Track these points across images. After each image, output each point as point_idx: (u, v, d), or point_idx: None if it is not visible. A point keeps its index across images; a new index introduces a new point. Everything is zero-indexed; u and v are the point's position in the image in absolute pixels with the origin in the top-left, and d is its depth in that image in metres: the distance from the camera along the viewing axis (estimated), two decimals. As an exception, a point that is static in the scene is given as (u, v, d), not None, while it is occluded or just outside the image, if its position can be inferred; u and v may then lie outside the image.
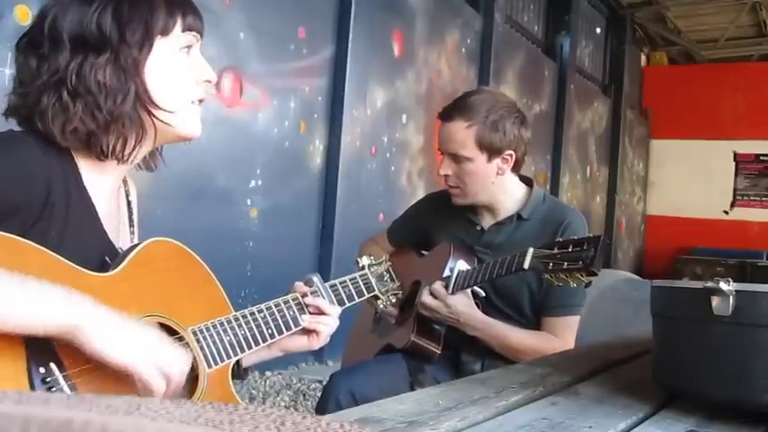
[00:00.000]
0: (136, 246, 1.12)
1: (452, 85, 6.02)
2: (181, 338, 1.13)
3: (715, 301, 0.95)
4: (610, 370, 1.39)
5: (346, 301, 1.43)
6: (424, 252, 2.11)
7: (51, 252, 0.99)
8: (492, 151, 1.87)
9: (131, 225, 1.26)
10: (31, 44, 1.08)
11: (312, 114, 4.57)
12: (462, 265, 1.85)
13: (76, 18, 1.06)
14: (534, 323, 1.89)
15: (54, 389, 0.94)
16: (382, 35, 5.19)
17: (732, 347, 0.96)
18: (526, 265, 1.62)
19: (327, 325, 1.34)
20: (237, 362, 1.24)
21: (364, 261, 1.58)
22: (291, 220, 4.46)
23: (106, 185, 1.15)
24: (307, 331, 1.33)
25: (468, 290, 1.82)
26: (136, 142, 1.12)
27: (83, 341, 0.93)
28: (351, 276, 1.48)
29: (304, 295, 1.34)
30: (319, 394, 2.28)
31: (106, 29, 1.07)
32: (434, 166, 5.75)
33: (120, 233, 1.20)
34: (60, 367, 0.95)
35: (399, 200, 5.17)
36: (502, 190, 1.94)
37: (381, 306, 1.59)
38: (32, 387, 0.93)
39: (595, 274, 1.52)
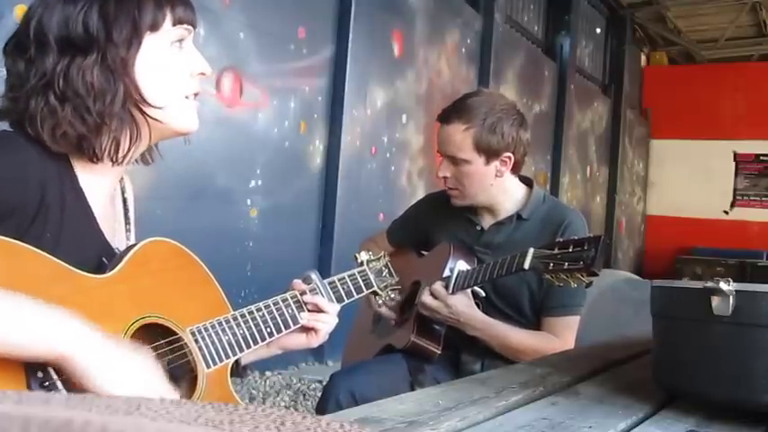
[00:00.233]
0: (133, 246, 1.11)
1: (452, 86, 6.02)
2: (179, 339, 1.12)
3: (715, 301, 0.95)
4: (610, 370, 1.39)
5: (345, 297, 1.43)
6: (423, 252, 2.11)
7: (47, 255, 0.98)
8: (490, 154, 1.87)
9: (127, 223, 1.24)
10: (18, 47, 1.06)
11: (312, 114, 4.57)
12: (462, 266, 1.85)
13: (62, 19, 1.04)
14: (534, 323, 1.89)
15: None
16: (382, 35, 5.19)
17: (732, 347, 0.96)
18: (526, 266, 1.62)
19: (326, 323, 1.33)
20: (236, 360, 1.24)
21: (363, 257, 1.58)
22: (291, 220, 4.46)
23: (102, 186, 1.14)
24: (306, 329, 1.33)
25: (469, 290, 1.83)
26: (131, 143, 1.10)
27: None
28: (349, 273, 1.48)
29: (303, 293, 1.33)
30: (319, 394, 2.29)
31: (92, 29, 1.04)
32: (434, 167, 5.75)
33: (115, 232, 1.19)
34: (58, 372, 0.94)
35: (399, 200, 5.17)
36: (501, 191, 1.94)
37: (381, 301, 1.59)
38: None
39: (596, 275, 1.52)
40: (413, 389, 1.79)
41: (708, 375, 0.99)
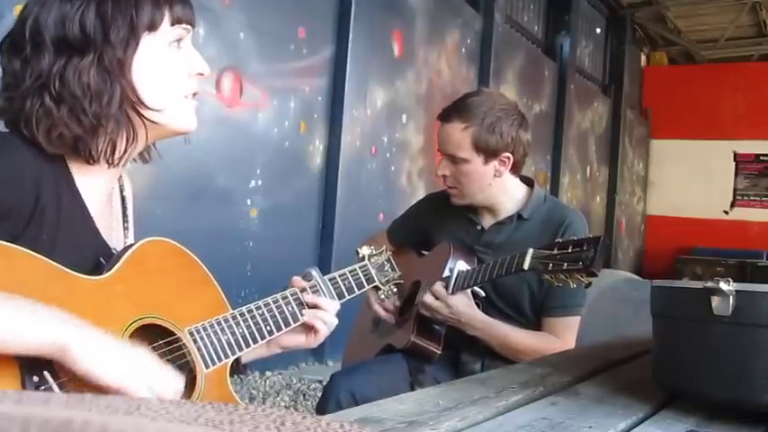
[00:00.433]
0: (130, 246, 1.10)
1: (452, 85, 6.02)
2: (178, 340, 1.11)
3: (715, 301, 0.95)
4: (610, 370, 1.39)
5: (346, 293, 1.41)
6: (424, 252, 2.11)
7: (43, 257, 0.97)
8: (488, 153, 1.87)
9: (125, 221, 1.23)
10: (14, 46, 1.05)
11: (312, 114, 4.57)
12: (462, 266, 1.85)
13: (59, 18, 1.03)
14: (534, 323, 1.89)
15: None
16: (382, 35, 5.19)
17: (732, 347, 0.96)
18: (526, 266, 1.62)
19: (326, 323, 1.32)
20: (236, 358, 1.23)
21: (364, 251, 1.56)
22: (291, 220, 4.46)
23: (99, 186, 1.13)
24: (306, 328, 1.32)
25: (469, 290, 1.83)
26: (127, 145, 1.09)
27: (73, 361, 0.91)
28: (350, 268, 1.46)
29: (303, 290, 1.32)
30: (319, 394, 2.29)
31: (89, 29, 1.03)
32: (434, 167, 5.74)
33: (113, 231, 1.18)
34: (54, 375, 0.94)
35: (399, 200, 5.17)
36: (501, 191, 1.94)
37: (382, 296, 1.58)
38: None
39: (595, 275, 1.52)
40: (413, 389, 1.79)
41: (708, 375, 0.99)
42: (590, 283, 1.58)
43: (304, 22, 4.44)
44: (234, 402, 1.14)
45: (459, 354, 1.91)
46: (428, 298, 1.83)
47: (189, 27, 1.13)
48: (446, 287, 1.82)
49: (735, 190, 11.13)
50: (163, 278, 1.12)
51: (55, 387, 0.94)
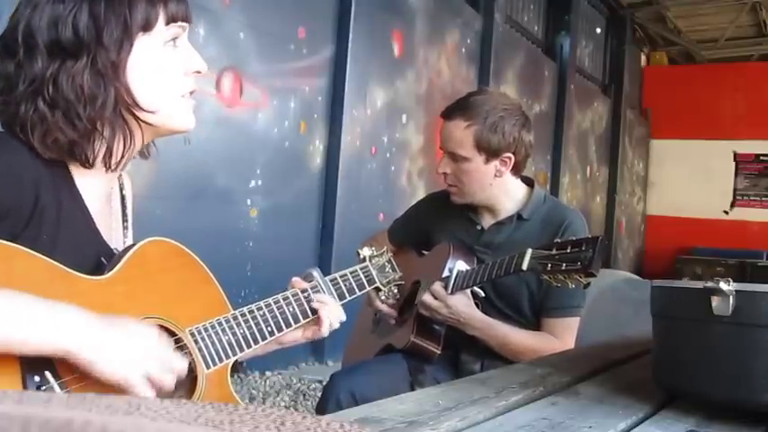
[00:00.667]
0: (131, 246, 1.10)
1: (452, 85, 6.02)
2: (179, 340, 1.11)
3: (715, 301, 0.95)
4: (610, 370, 1.39)
5: (347, 294, 1.41)
6: (424, 252, 2.11)
7: (43, 257, 0.97)
8: (490, 152, 1.87)
9: (125, 221, 1.22)
10: (7, 50, 1.03)
11: (312, 114, 4.57)
12: (461, 266, 1.85)
13: (51, 21, 1.01)
14: (534, 323, 1.89)
15: None
16: (382, 35, 5.19)
17: (732, 347, 0.96)
18: (524, 266, 1.62)
19: (331, 313, 1.31)
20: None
21: (365, 252, 1.56)
22: (291, 220, 4.46)
23: (99, 185, 1.12)
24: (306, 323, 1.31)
25: (468, 290, 1.83)
26: (124, 149, 1.08)
27: (75, 359, 0.92)
28: (351, 269, 1.46)
29: (304, 290, 1.31)
30: (319, 394, 2.29)
31: (82, 31, 1.01)
32: (434, 166, 5.74)
33: (112, 231, 1.17)
34: (55, 375, 0.94)
35: (399, 200, 5.17)
36: (502, 191, 1.94)
37: (383, 297, 1.57)
38: None
39: (594, 276, 1.52)
40: (413, 389, 1.79)
41: (708, 375, 0.99)
42: (588, 284, 1.58)
43: (304, 22, 4.44)
44: (234, 402, 1.14)
45: (458, 354, 1.91)
46: (427, 298, 1.83)
47: (185, 24, 1.11)
48: (445, 287, 1.82)
49: (735, 190, 11.13)
50: (164, 278, 1.12)
51: (56, 387, 0.94)
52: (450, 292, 1.81)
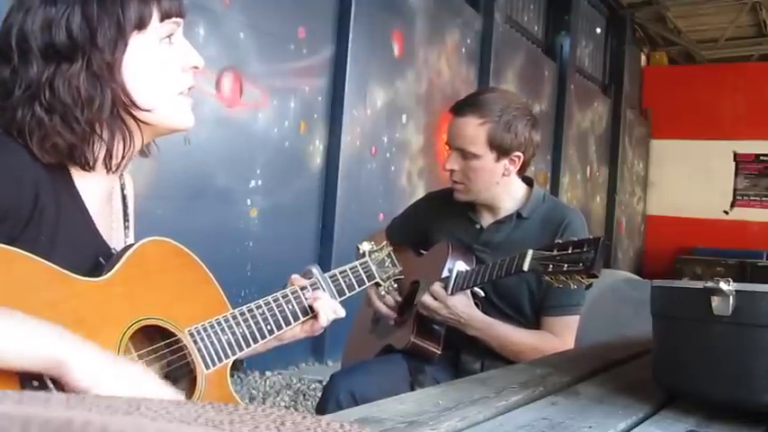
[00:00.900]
0: (130, 246, 1.09)
1: (452, 85, 6.02)
2: (178, 340, 1.11)
3: (715, 301, 0.95)
4: (610, 370, 1.39)
5: (347, 291, 1.40)
6: (422, 251, 2.11)
7: (42, 259, 0.96)
8: (501, 151, 1.87)
9: (126, 220, 1.22)
10: (1, 56, 1.02)
11: (312, 114, 4.57)
12: (461, 266, 1.85)
13: (44, 24, 1.00)
14: (534, 323, 1.89)
15: None
16: (382, 35, 5.19)
17: (732, 347, 0.96)
18: (526, 267, 1.62)
19: (326, 306, 1.30)
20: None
21: (365, 247, 1.54)
22: (291, 220, 4.46)
23: (99, 186, 1.11)
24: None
25: (468, 290, 1.82)
26: (124, 150, 1.07)
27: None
28: (351, 265, 1.45)
29: (303, 288, 1.31)
30: (319, 394, 2.29)
31: (76, 33, 1.00)
32: (434, 166, 5.77)
33: (112, 231, 1.16)
34: (54, 380, 0.93)
35: (399, 200, 5.17)
36: (504, 190, 1.94)
37: (383, 292, 1.56)
38: None
39: (596, 277, 1.52)
40: (413, 389, 1.79)
41: (708, 375, 0.99)
42: (590, 284, 1.58)
43: (304, 22, 4.44)
44: (234, 402, 1.13)
45: (458, 354, 1.91)
46: (427, 299, 1.83)
47: (179, 20, 1.10)
48: (445, 288, 1.81)
49: (735, 190, 11.14)
50: (163, 278, 1.12)
51: (55, 392, 0.93)
52: (450, 292, 1.81)
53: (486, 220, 1.98)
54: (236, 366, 1.24)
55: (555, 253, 1.57)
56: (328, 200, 4.67)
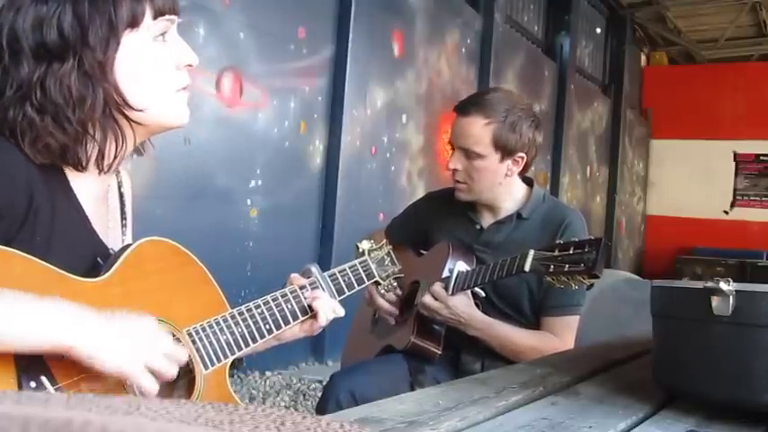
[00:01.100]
0: (127, 247, 1.09)
1: (452, 85, 6.02)
2: (177, 341, 1.10)
3: (715, 301, 0.95)
4: (610, 370, 1.39)
5: (346, 290, 1.40)
6: (422, 252, 2.11)
7: (39, 260, 0.95)
8: (506, 152, 1.87)
9: (123, 218, 1.21)
10: None
11: (312, 114, 4.57)
12: (461, 266, 1.85)
13: (35, 23, 0.99)
14: (534, 323, 1.89)
15: None
16: (382, 35, 5.19)
17: (732, 347, 0.96)
18: (527, 268, 1.62)
19: (325, 305, 1.30)
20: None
21: (364, 245, 1.53)
22: (291, 220, 4.46)
23: (95, 184, 1.10)
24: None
25: (468, 290, 1.82)
26: (117, 150, 1.06)
27: (75, 355, 0.91)
28: (350, 264, 1.45)
29: (302, 287, 1.30)
30: (319, 394, 2.29)
31: (67, 32, 0.99)
32: (434, 166, 5.78)
33: (109, 230, 1.15)
34: (51, 380, 0.93)
35: (399, 200, 5.17)
36: (506, 190, 1.94)
37: (382, 291, 1.56)
38: None
39: (597, 277, 1.52)
40: (413, 389, 1.79)
41: (708, 375, 0.99)
42: (592, 285, 1.58)
43: (304, 22, 4.44)
44: (233, 402, 1.13)
45: (459, 354, 1.91)
46: (427, 299, 1.83)
47: (173, 17, 1.08)
48: (445, 288, 1.81)
49: (735, 190, 11.14)
50: (161, 278, 1.11)
51: (52, 392, 0.93)
52: (450, 292, 1.80)
53: (487, 220, 1.98)
54: (235, 364, 1.24)
55: (556, 253, 1.57)
56: (328, 200, 4.67)
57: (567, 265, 1.53)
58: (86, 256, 1.06)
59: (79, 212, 1.07)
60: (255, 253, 4.13)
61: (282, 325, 1.26)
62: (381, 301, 2.01)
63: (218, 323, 1.15)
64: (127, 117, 1.06)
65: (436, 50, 5.87)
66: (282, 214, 4.36)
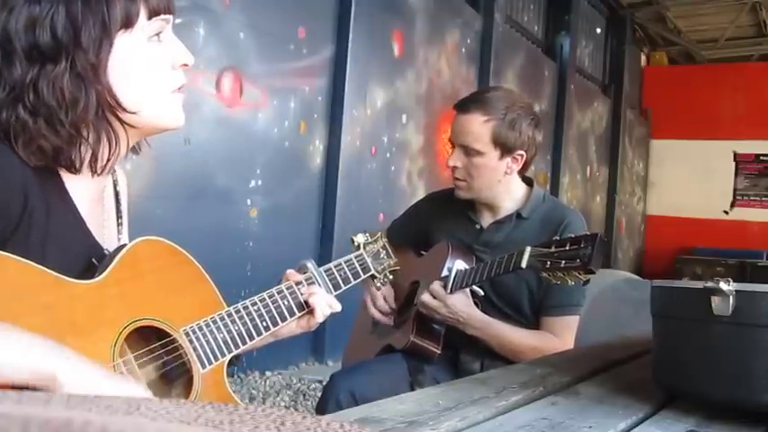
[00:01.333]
0: (123, 247, 1.08)
1: (452, 85, 6.02)
2: (173, 341, 1.10)
3: (715, 301, 0.95)
4: (610, 370, 1.39)
5: (342, 284, 1.39)
6: (422, 252, 2.11)
7: (34, 264, 0.94)
8: (505, 149, 1.87)
9: (119, 217, 1.20)
10: None
11: (312, 114, 4.57)
12: (460, 265, 1.85)
13: (28, 24, 0.97)
14: (534, 323, 1.89)
15: None
16: (382, 35, 5.19)
17: (732, 347, 0.96)
18: (524, 264, 1.62)
19: (321, 300, 1.29)
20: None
21: (359, 239, 1.53)
22: (291, 220, 4.46)
23: (90, 185, 1.09)
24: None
25: (467, 289, 1.83)
26: (110, 153, 1.05)
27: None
28: (346, 258, 1.44)
29: (298, 283, 1.30)
30: (319, 394, 2.29)
31: (60, 34, 0.98)
32: (434, 166, 5.77)
33: (105, 229, 1.14)
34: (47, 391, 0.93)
35: (399, 200, 5.17)
36: (505, 189, 1.94)
37: (378, 284, 1.56)
38: None
39: (593, 273, 1.52)
40: (413, 389, 1.79)
41: (708, 375, 0.99)
42: (588, 281, 1.58)
43: (304, 22, 4.44)
44: (231, 401, 1.13)
45: (458, 354, 1.91)
46: (426, 297, 1.83)
47: (168, 17, 1.07)
48: (444, 286, 1.82)
49: (735, 190, 11.14)
50: (156, 278, 1.11)
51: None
52: (449, 291, 1.81)
53: (486, 220, 1.98)
54: (233, 362, 1.23)
55: (553, 250, 1.57)
56: (328, 200, 4.68)
57: (563, 261, 1.54)
58: (82, 258, 1.06)
59: (74, 214, 1.06)
60: (255, 253, 4.13)
61: (279, 322, 1.25)
62: (374, 311, 2.03)
63: (214, 322, 1.15)
64: (120, 119, 1.05)
65: (436, 50, 5.87)
66: (282, 214, 4.36)
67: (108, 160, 1.06)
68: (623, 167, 10.52)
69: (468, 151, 1.89)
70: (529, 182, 2.00)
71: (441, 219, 2.05)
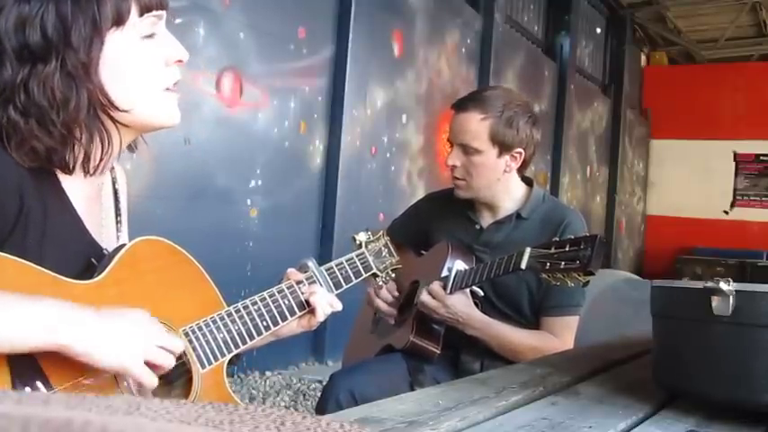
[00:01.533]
0: (121, 247, 1.07)
1: (452, 85, 6.02)
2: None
3: (715, 301, 0.95)
4: (610, 370, 1.39)
5: (343, 283, 1.38)
6: (422, 252, 2.11)
7: (32, 264, 0.94)
8: (503, 147, 1.88)
9: (118, 215, 1.19)
10: None
11: (312, 114, 4.57)
12: (460, 265, 1.85)
13: (18, 24, 0.97)
14: (533, 323, 1.89)
15: None
16: (382, 35, 5.19)
17: (732, 347, 0.96)
18: (523, 265, 1.62)
19: (323, 299, 1.29)
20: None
21: (361, 237, 1.52)
22: (291, 220, 4.46)
23: (87, 184, 1.09)
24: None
25: (467, 289, 1.83)
26: (102, 153, 1.04)
27: (70, 353, 0.91)
28: (347, 257, 1.43)
29: (299, 282, 1.29)
30: (319, 394, 2.29)
31: (50, 33, 0.97)
32: (434, 166, 5.77)
33: (103, 228, 1.14)
34: (46, 385, 0.93)
35: (399, 200, 5.17)
36: (505, 188, 1.94)
37: (380, 282, 1.55)
38: None
39: (592, 274, 1.52)
40: (413, 389, 1.79)
41: (708, 375, 0.99)
42: (587, 282, 1.58)
43: (304, 22, 4.44)
44: (231, 401, 1.13)
45: (458, 354, 1.91)
46: (425, 297, 1.83)
47: (161, 13, 1.05)
48: (444, 287, 1.82)
49: (735, 190, 11.14)
50: (156, 278, 1.10)
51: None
52: (448, 291, 1.81)
53: (486, 220, 1.98)
54: (233, 361, 1.22)
55: (552, 251, 1.57)
56: (328, 200, 4.68)
57: (562, 262, 1.54)
58: (80, 257, 1.05)
59: (71, 213, 1.06)
60: (255, 253, 4.13)
61: (280, 321, 1.25)
62: (379, 302, 2.02)
63: (214, 321, 1.15)
64: (113, 118, 1.04)
65: (436, 50, 5.87)
66: (282, 214, 4.36)
67: (101, 160, 1.05)
68: (623, 167, 10.52)
69: (467, 150, 1.89)
70: (529, 182, 2.00)
71: (440, 219, 2.05)
